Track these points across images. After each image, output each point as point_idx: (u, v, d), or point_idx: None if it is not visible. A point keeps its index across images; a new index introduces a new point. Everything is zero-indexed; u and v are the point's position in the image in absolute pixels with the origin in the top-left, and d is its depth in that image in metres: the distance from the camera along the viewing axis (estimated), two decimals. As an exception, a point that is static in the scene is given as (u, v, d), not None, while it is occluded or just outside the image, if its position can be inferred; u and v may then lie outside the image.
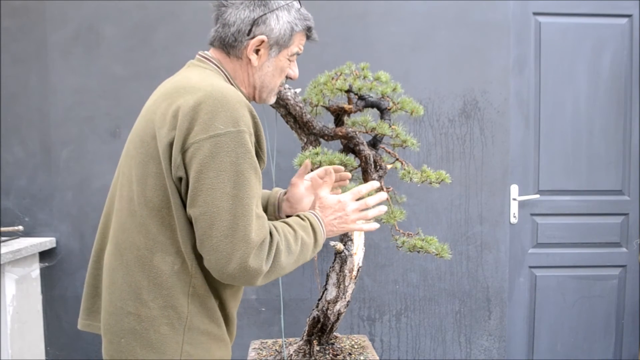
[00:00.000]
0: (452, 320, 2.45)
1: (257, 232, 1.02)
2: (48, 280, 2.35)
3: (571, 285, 2.55)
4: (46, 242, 2.27)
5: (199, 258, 1.08)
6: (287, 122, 1.69)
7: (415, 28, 2.36)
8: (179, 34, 2.31)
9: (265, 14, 1.15)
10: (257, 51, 1.17)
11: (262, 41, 1.16)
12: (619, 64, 2.49)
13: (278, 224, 1.13)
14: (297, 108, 1.61)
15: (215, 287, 1.15)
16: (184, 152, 1.02)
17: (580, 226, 2.55)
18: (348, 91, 1.63)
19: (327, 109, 1.66)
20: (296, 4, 1.19)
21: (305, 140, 1.69)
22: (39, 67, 2.30)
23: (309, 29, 1.22)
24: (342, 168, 1.41)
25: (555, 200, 2.54)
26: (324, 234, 1.21)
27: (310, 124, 1.63)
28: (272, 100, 1.28)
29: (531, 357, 2.58)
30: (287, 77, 1.27)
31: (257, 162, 1.05)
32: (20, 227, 2.28)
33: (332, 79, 1.64)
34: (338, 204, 1.23)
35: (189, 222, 1.06)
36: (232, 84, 1.19)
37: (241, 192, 1.01)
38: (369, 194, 1.30)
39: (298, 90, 1.63)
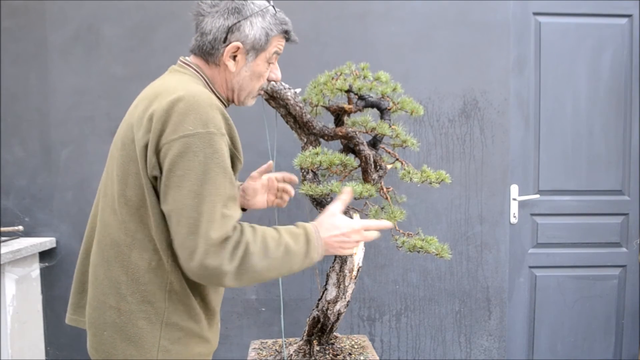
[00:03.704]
0: (452, 320, 2.44)
1: (219, 230, 1.03)
2: (48, 280, 2.35)
3: (571, 285, 2.55)
4: (46, 242, 2.27)
5: (174, 255, 1.11)
6: (287, 122, 1.69)
7: (415, 28, 2.36)
8: (179, 34, 2.31)
9: (239, 21, 1.19)
10: (234, 57, 1.21)
11: (238, 47, 1.20)
12: (619, 64, 2.49)
13: (261, 227, 1.14)
14: (297, 108, 1.61)
15: (195, 284, 1.18)
16: (157, 152, 1.07)
17: (580, 226, 2.55)
18: (348, 91, 1.63)
19: (327, 109, 1.65)
20: (271, 10, 1.23)
21: (305, 140, 1.68)
22: (39, 67, 2.30)
23: (286, 32, 1.26)
24: (296, 180, 1.52)
25: (555, 200, 2.54)
26: (320, 249, 1.19)
27: (310, 124, 1.63)
28: (251, 102, 1.33)
29: (531, 357, 2.58)
30: (269, 80, 1.31)
31: (227, 162, 1.08)
32: (20, 227, 2.28)
33: (332, 79, 1.64)
34: (347, 228, 1.23)
35: (164, 221, 1.10)
36: (211, 89, 1.24)
37: (206, 191, 1.04)
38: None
39: (298, 90, 1.63)
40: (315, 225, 1.21)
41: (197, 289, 1.20)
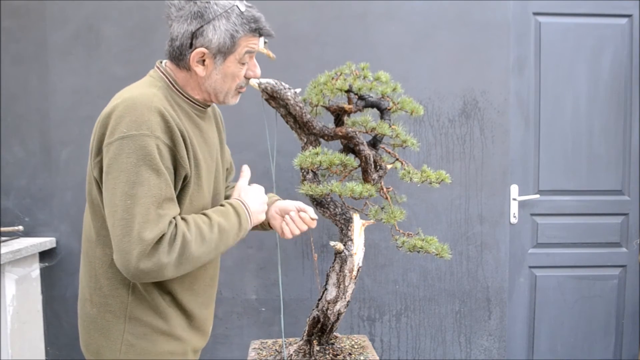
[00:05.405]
0: (452, 320, 2.44)
1: (153, 230, 1.04)
2: (48, 280, 2.35)
3: (571, 285, 2.55)
4: (46, 242, 2.27)
5: None
6: (287, 122, 1.69)
7: (415, 28, 2.36)
8: (179, 34, 2.30)
9: (202, 26, 1.17)
10: (203, 62, 1.20)
11: (204, 53, 1.18)
12: (619, 64, 2.49)
13: (190, 215, 1.17)
14: (297, 108, 1.61)
15: (160, 282, 1.19)
16: (100, 155, 1.10)
17: (580, 226, 2.55)
18: (348, 91, 1.63)
19: (327, 109, 1.65)
20: (237, 9, 1.19)
21: (305, 140, 1.68)
22: (39, 67, 2.30)
23: (255, 30, 1.22)
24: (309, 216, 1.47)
25: (555, 200, 2.54)
26: (252, 217, 1.27)
27: (310, 124, 1.63)
28: (234, 101, 1.31)
29: (531, 357, 2.58)
30: (247, 78, 1.29)
31: (160, 164, 1.08)
32: (20, 227, 2.28)
33: (332, 79, 1.64)
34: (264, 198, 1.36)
35: None
36: (177, 91, 1.23)
37: (139, 192, 1.05)
38: None
39: (298, 90, 1.63)
40: (239, 199, 1.28)
41: (163, 288, 1.21)
